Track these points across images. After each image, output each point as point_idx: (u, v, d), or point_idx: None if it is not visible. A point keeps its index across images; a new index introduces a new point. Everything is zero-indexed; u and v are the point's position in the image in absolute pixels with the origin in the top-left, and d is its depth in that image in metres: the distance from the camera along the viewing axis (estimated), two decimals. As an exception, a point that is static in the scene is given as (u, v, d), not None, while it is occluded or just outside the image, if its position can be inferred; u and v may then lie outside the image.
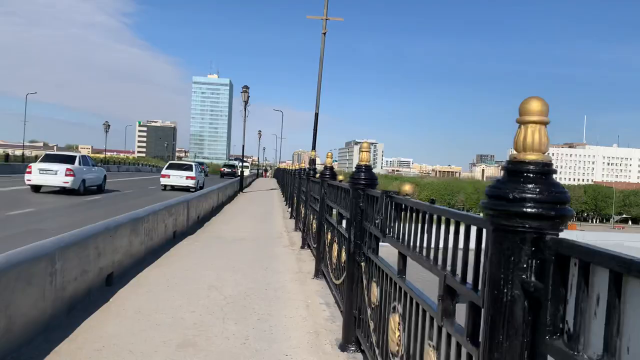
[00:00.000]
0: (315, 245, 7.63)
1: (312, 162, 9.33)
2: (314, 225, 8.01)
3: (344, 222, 5.06)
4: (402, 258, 2.84)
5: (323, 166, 6.79)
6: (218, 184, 23.94)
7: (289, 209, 17.64)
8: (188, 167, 26.65)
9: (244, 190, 29.57)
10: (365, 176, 4.03)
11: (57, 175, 18.76)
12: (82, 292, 5.26)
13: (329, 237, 6.07)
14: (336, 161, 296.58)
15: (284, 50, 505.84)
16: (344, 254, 4.79)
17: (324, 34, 9.73)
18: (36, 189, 19.21)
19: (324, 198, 6.64)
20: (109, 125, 60.18)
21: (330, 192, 6.32)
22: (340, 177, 5.76)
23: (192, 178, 25.70)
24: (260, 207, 19.10)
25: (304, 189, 10.77)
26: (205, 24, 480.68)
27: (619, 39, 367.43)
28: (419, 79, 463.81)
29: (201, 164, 35.98)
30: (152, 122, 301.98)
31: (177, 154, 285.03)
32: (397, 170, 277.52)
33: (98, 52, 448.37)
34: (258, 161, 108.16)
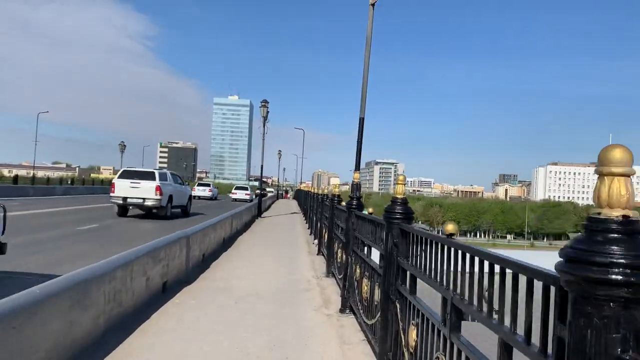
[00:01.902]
0: (369, 322, 4.77)
1: (357, 187, 6.51)
2: (366, 288, 5.15)
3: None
4: None
5: (392, 199, 3.93)
6: (235, 208, 21.28)
7: (315, 241, 14.81)
8: (246, 188, 50.34)
9: (262, 215, 26.81)
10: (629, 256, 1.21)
11: (205, 192, 45.37)
12: None
13: (413, 334, 3.21)
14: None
15: (304, 72, 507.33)
16: None
17: (373, 4, 7.01)
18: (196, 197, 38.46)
19: (394, 255, 3.80)
20: (124, 146, 58.46)
21: (412, 250, 3.48)
22: (451, 228, 2.80)
23: (248, 194, 46.82)
24: (280, 238, 16.28)
25: (340, 224, 7.94)
26: (227, 46, 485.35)
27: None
28: (440, 98, 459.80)
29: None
30: (174, 143, 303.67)
31: (197, 174, 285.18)
32: (418, 191, 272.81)
33: (122, 75, 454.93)
34: (278, 181, 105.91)
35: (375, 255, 4.85)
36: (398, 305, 3.65)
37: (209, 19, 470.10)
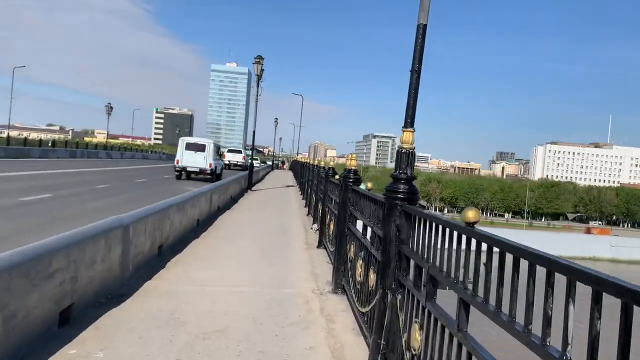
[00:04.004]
0: None
1: (409, 158, 3.41)
2: None
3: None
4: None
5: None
6: (222, 180, 18.18)
7: (314, 225, 11.77)
8: (240, 151, 49.87)
9: (253, 188, 23.68)
10: None
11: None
12: None
13: None
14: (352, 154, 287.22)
15: (304, 42, 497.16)
16: None
17: None
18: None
19: None
20: (111, 108, 54.86)
21: None
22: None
23: (243, 158, 45.34)
24: (270, 220, 13.16)
25: (364, 219, 4.78)
26: (225, 12, 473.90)
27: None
28: (438, 73, 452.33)
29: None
30: (170, 109, 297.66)
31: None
32: (415, 166, 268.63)
33: (119, 39, 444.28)
34: (274, 151, 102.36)
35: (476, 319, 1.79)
36: None
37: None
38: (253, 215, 14.12)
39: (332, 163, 9.27)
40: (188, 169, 24.92)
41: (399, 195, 3.36)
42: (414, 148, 3.46)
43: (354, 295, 5.03)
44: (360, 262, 4.75)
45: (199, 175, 25.22)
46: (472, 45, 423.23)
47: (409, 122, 3.46)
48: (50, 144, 46.75)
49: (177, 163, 25.24)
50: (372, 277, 4.05)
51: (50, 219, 10.16)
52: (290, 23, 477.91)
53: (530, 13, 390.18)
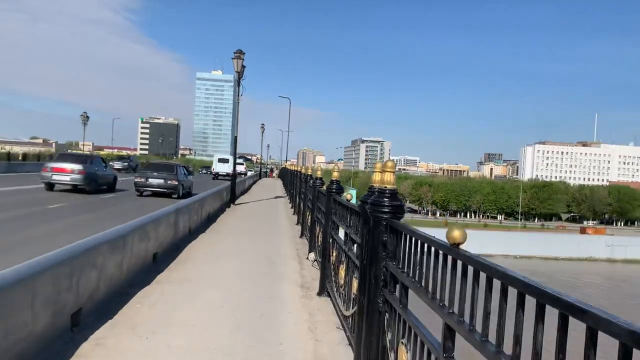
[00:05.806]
0: None
1: None
2: None
3: None
4: None
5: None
6: (197, 195, 15.34)
7: (311, 255, 8.98)
8: (241, 163, 54.95)
9: (237, 201, 20.75)
10: None
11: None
12: None
13: None
14: (341, 160, 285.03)
15: (288, 48, 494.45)
16: None
17: None
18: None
19: None
20: (87, 117, 51.58)
21: None
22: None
23: (245, 168, 57.32)
24: (253, 249, 10.25)
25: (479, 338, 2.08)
26: (210, 20, 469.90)
27: (628, 35, 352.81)
28: (425, 76, 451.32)
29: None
30: (155, 118, 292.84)
31: (180, 151, 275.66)
32: (404, 169, 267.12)
33: (102, 49, 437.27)
34: (261, 159, 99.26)
35: None
36: None
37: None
38: (232, 240, 11.24)
39: (335, 173, 6.53)
40: (219, 173, 44.40)
41: None
42: None
43: None
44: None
45: (226, 177, 39.86)
46: (456, 46, 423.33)
47: None
48: (20, 158, 43.41)
49: (213, 170, 46.80)
50: None
51: None
52: (276, 30, 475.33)
53: (513, 12, 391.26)
